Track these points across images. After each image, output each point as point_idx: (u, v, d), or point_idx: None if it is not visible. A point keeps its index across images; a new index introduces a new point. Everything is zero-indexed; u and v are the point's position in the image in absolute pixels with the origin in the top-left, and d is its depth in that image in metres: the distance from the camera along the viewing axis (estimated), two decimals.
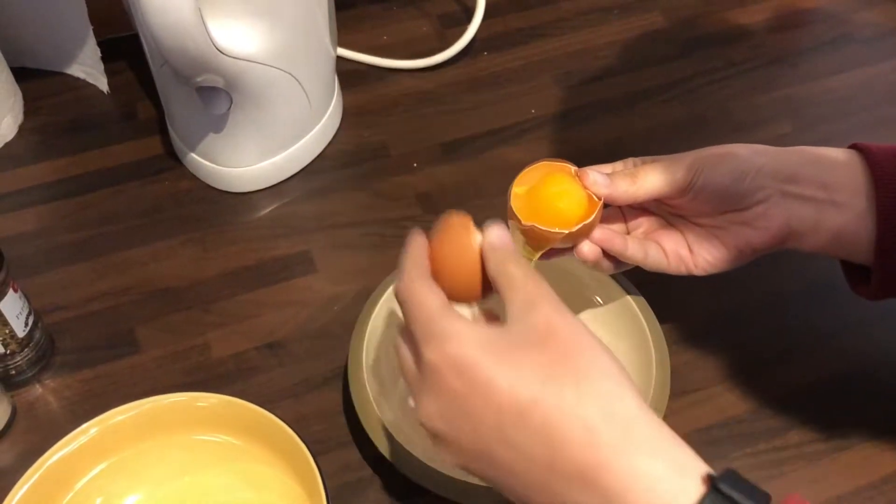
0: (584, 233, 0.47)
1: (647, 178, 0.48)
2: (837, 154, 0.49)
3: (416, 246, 0.42)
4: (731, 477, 0.34)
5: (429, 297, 0.39)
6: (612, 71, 0.75)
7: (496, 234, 0.41)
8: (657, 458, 0.34)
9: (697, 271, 0.50)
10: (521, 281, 0.38)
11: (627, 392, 0.35)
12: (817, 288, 0.61)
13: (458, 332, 0.37)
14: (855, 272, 0.50)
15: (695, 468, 0.34)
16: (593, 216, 0.46)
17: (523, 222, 0.46)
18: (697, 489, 0.33)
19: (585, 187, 0.47)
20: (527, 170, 0.48)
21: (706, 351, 0.57)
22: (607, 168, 0.50)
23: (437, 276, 0.41)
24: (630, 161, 0.51)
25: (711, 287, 0.60)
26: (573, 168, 0.48)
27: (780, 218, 0.48)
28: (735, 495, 0.33)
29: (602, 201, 0.47)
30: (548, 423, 0.35)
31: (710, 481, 0.34)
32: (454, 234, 0.42)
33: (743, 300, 0.60)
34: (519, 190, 0.48)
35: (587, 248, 0.48)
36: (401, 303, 0.40)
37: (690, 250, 0.50)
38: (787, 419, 0.54)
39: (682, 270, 0.50)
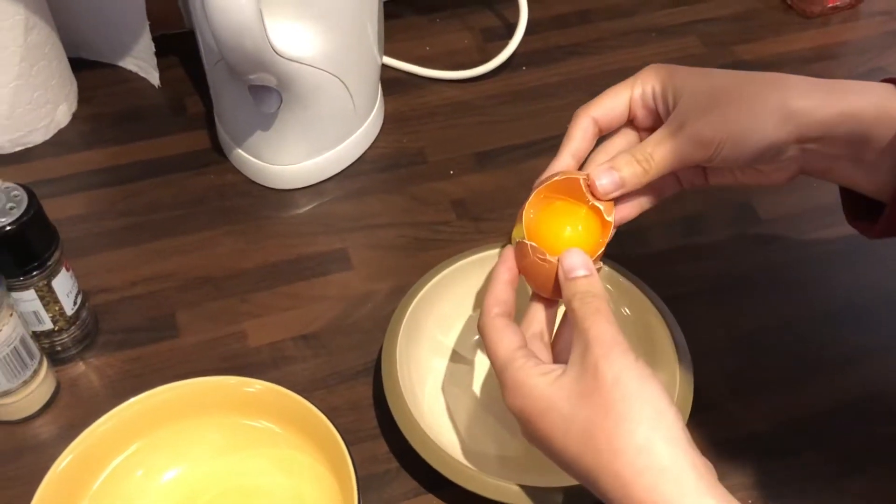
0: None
1: (661, 164, 0.47)
2: (875, 107, 0.44)
3: (501, 271, 0.47)
4: None
5: (501, 343, 0.44)
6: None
7: (568, 263, 0.45)
8: None
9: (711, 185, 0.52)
10: (581, 321, 0.43)
11: (659, 440, 0.38)
12: (841, 312, 0.62)
13: (523, 386, 0.42)
14: (851, 203, 0.50)
15: None
16: (609, 236, 0.48)
17: (549, 257, 0.46)
18: None
19: (598, 198, 0.48)
20: (538, 190, 0.48)
21: (727, 368, 0.59)
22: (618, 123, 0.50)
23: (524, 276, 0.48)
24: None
25: (738, 306, 0.62)
26: (582, 179, 0.48)
27: (795, 169, 0.48)
28: None
29: (613, 221, 0.48)
30: (592, 473, 0.40)
31: None
32: (530, 258, 0.47)
33: (768, 321, 0.62)
34: (530, 216, 0.48)
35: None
36: (481, 337, 0.46)
37: (706, 180, 0.51)
38: (804, 439, 0.56)
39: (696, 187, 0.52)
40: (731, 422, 0.56)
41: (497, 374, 0.44)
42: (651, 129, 0.50)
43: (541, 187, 0.48)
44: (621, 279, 0.57)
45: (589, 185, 0.48)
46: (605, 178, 0.47)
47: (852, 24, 0.83)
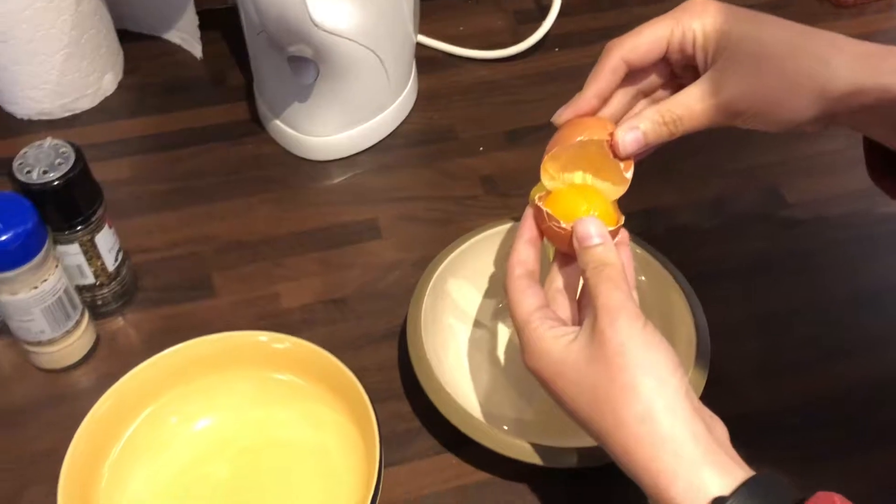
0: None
1: (688, 127, 0.46)
2: None
3: (523, 231, 0.48)
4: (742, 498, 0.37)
5: (521, 304, 0.46)
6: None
7: (582, 232, 0.46)
8: (677, 483, 0.38)
9: None
10: (592, 288, 0.43)
11: (660, 410, 0.39)
12: (863, 298, 0.63)
13: (539, 349, 0.44)
14: (875, 158, 0.48)
15: (707, 493, 0.38)
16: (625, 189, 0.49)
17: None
18: None
19: (619, 156, 0.48)
20: (554, 152, 0.48)
21: (747, 347, 0.60)
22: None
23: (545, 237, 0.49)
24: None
25: (761, 288, 0.63)
26: (607, 134, 0.47)
27: (822, 128, 0.46)
28: None
29: (630, 177, 0.48)
30: (600, 436, 0.42)
31: None
32: (546, 224, 0.48)
33: (790, 303, 0.63)
34: (548, 172, 0.49)
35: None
36: (505, 297, 0.47)
37: None
38: (818, 418, 0.57)
39: None
40: (748, 399, 0.57)
41: (516, 331, 0.46)
42: (683, 69, 0.49)
43: (558, 149, 0.49)
44: (638, 249, 0.58)
45: (611, 145, 0.48)
46: (629, 136, 0.47)
47: (887, 15, 0.84)
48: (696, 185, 0.70)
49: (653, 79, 0.50)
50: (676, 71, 0.50)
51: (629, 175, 0.48)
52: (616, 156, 0.48)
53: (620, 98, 0.51)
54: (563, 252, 0.49)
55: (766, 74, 0.44)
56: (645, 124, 0.47)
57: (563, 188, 0.50)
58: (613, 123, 0.49)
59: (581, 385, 0.42)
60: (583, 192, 0.49)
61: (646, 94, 0.51)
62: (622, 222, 0.48)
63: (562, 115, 0.50)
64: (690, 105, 0.46)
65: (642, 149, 0.48)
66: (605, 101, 0.50)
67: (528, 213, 0.49)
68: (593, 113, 0.50)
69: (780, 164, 0.71)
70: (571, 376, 0.42)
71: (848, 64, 0.43)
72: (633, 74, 0.50)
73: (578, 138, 0.48)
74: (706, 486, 0.38)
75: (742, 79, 0.44)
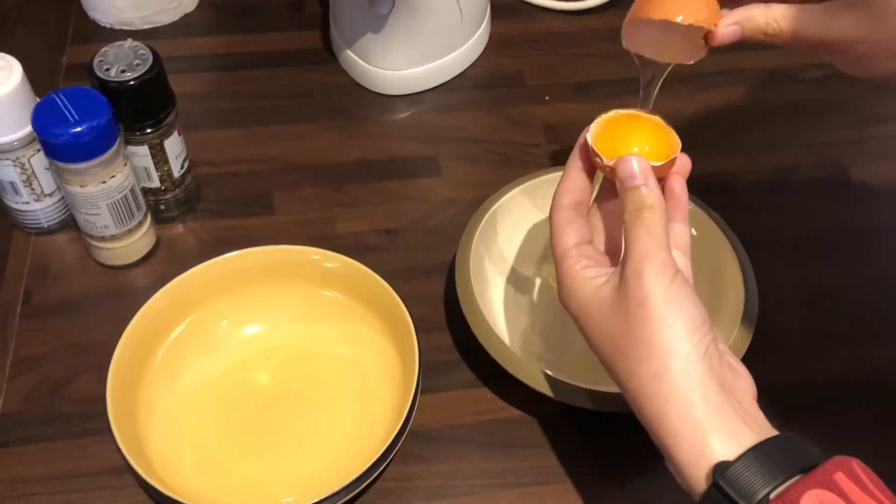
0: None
1: (784, 41, 0.45)
2: None
3: (576, 158, 0.46)
4: (739, 469, 0.36)
5: (560, 239, 0.45)
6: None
7: (624, 173, 0.43)
8: (681, 445, 0.38)
9: None
10: (627, 232, 0.42)
11: (672, 370, 0.39)
12: None
13: (570, 288, 0.43)
14: None
15: (710, 458, 0.37)
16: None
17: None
18: (704, 481, 0.37)
19: (711, 43, 0.45)
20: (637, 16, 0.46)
21: (792, 314, 0.60)
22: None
23: None
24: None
25: (815, 261, 0.63)
26: (713, 16, 0.45)
27: None
28: (731, 493, 0.36)
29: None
30: (618, 385, 0.42)
31: (713, 475, 0.37)
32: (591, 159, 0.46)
33: (841, 276, 0.62)
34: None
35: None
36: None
37: None
38: (858, 394, 0.56)
39: None
40: (789, 368, 0.57)
41: (555, 262, 0.45)
42: None
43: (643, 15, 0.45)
44: (694, 207, 0.57)
45: (709, 38, 0.46)
46: (728, 30, 0.45)
47: None
48: (761, 154, 0.69)
49: None
50: None
51: (704, 52, 0.46)
52: (709, 44, 0.46)
53: None
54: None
55: (886, 21, 0.42)
56: (745, 22, 0.45)
57: (614, 117, 0.46)
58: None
59: (602, 331, 0.42)
60: (633, 123, 0.46)
61: None
62: (677, 153, 0.45)
63: None
64: (798, 28, 0.44)
65: (734, 41, 0.45)
66: None
67: (582, 140, 0.46)
68: None
69: (848, 143, 0.70)
70: (596, 320, 0.42)
71: None
72: None
73: (678, 18, 0.45)
74: (711, 450, 0.37)
75: (860, 21, 0.43)
